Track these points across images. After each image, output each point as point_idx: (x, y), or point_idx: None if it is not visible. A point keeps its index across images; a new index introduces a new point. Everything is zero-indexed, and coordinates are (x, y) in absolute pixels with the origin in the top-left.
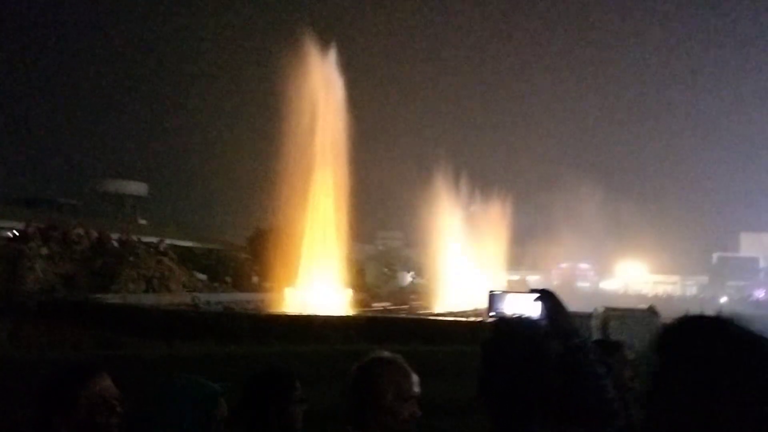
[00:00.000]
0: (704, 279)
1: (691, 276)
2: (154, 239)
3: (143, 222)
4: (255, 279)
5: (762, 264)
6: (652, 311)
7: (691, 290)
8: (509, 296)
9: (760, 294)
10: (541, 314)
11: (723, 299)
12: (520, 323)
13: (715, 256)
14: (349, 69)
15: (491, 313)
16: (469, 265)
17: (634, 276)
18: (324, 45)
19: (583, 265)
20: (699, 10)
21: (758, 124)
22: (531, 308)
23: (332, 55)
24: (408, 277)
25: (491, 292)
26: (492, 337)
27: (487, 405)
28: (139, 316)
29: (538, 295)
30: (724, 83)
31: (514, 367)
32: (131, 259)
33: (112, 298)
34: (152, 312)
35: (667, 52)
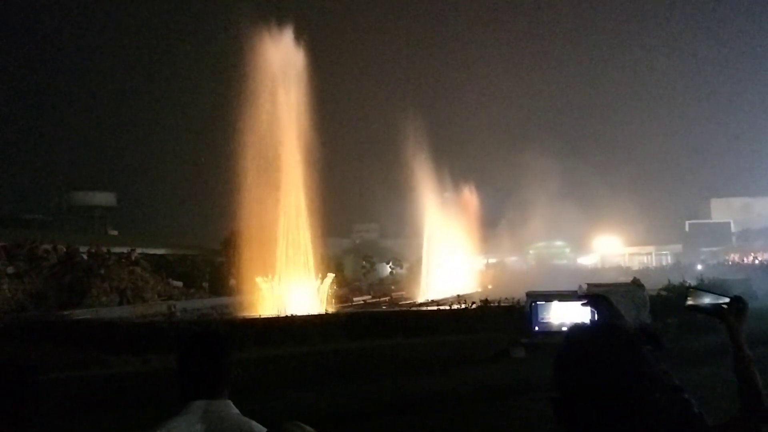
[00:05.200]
0: (678, 247)
1: (665, 245)
2: (125, 249)
3: (114, 232)
4: (232, 282)
5: (733, 228)
6: (636, 284)
7: (666, 259)
8: (554, 304)
9: (734, 258)
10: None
11: (699, 266)
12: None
13: (687, 223)
14: (314, 61)
15: (535, 327)
16: (447, 252)
17: (610, 250)
18: (283, 37)
19: (559, 243)
20: None
21: (722, 92)
22: (580, 316)
23: (295, 52)
24: (387, 268)
25: (532, 300)
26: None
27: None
28: (110, 331)
29: (585, 300)
30: (686, 49)
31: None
32: (102, 271)
33: (83, 314)
34: (123, 326)
35: (621, 14)
